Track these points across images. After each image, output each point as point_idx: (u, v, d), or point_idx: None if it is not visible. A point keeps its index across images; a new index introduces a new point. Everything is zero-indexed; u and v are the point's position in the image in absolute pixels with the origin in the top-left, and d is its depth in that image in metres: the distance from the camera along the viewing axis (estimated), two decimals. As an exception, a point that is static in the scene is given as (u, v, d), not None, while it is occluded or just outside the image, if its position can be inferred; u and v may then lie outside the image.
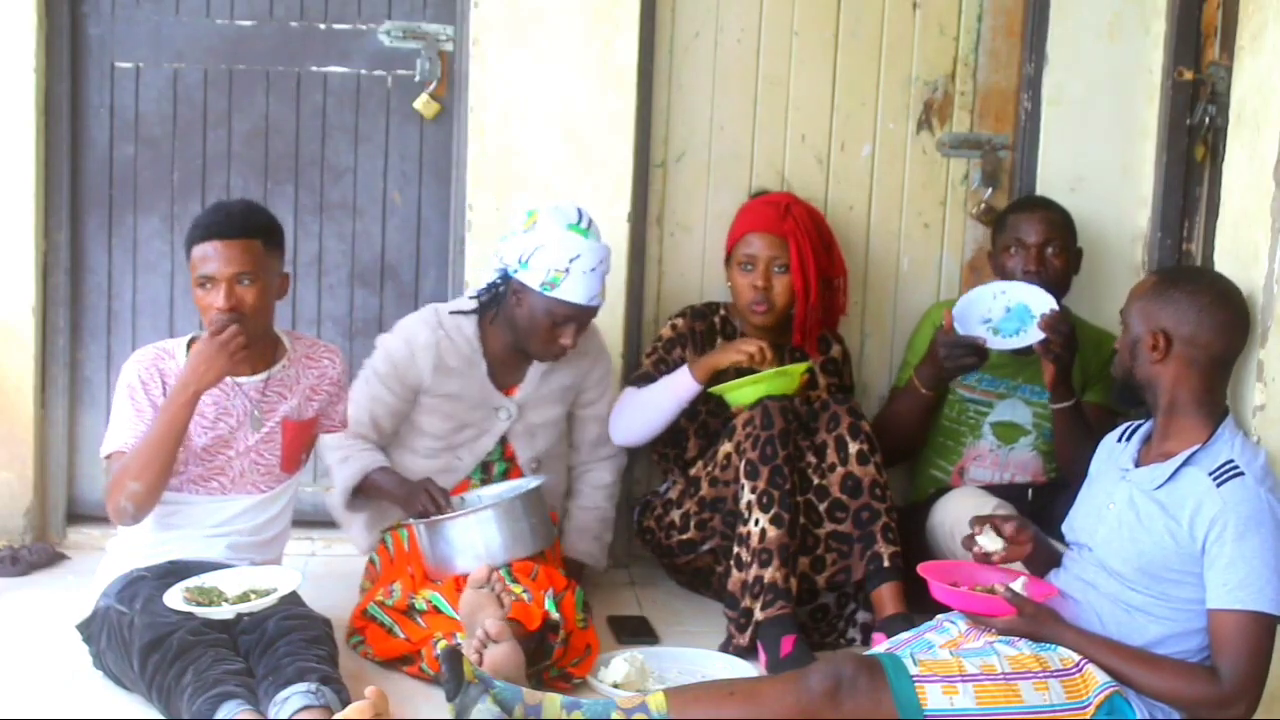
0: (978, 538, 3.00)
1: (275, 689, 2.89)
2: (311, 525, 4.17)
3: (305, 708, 2.84)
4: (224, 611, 3.09)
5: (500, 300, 3.69)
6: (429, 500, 3.52)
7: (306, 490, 4.25)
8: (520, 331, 3.66)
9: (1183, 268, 2.92)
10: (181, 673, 2.96)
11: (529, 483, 3.61)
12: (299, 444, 3.41)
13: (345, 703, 2.92)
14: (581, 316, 3.63)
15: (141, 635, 3.05)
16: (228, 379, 3.27)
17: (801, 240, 3.89)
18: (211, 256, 3.19)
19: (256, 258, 3.23)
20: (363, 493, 3.67)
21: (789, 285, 3.90)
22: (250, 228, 3.24)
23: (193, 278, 3.23)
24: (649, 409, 3.84)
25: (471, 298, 3.77)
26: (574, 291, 3.57)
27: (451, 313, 3.74)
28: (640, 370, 3.96)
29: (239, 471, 3.33)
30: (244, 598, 3.13)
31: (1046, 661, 2.83)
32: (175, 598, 3.09)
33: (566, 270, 3.57)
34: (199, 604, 3.08)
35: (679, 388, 3.81)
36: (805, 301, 3.91)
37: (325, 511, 4.15)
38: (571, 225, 3.61)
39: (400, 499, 3.60)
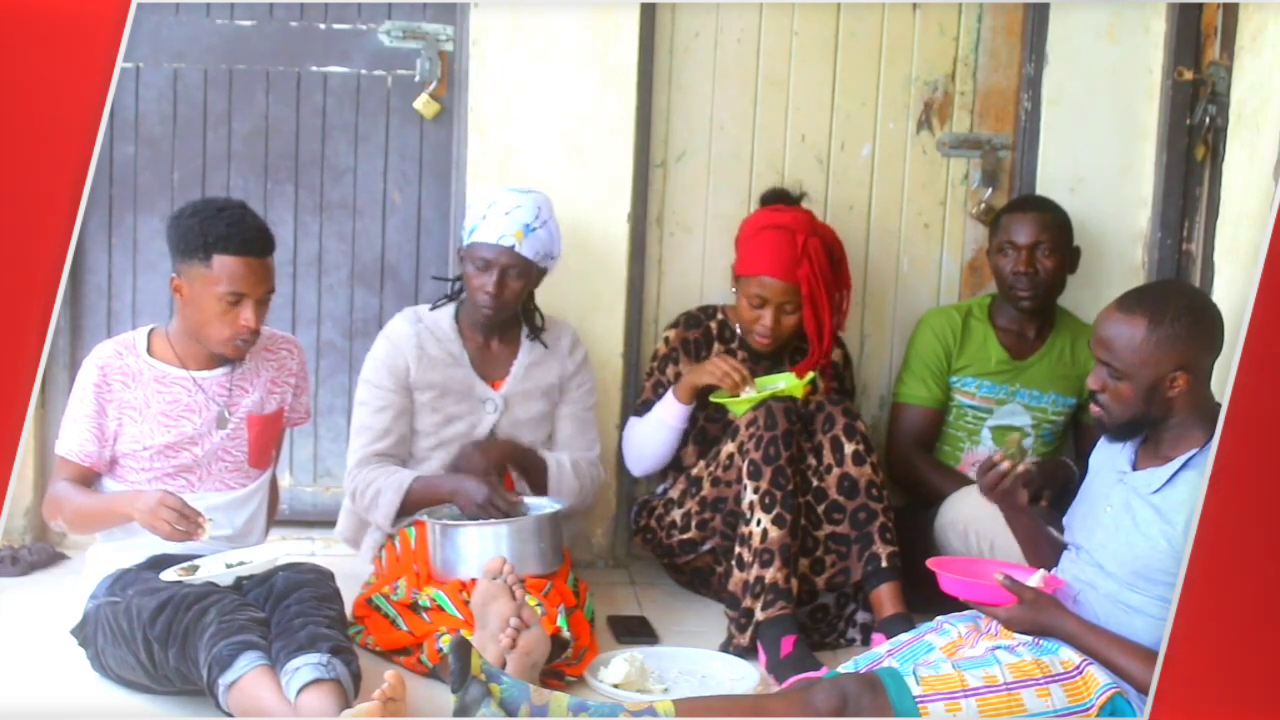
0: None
1: (287, 655, 2.90)
2: (311, 525, 4.17)
3: (315, 681, 2.85)
4: (224, 576, 3.09)
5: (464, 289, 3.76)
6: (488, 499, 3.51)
7: (306, 490, 4.27)
8: (468, 300, 3.72)
9: (1148, 295, 2.90)
10: (203, 613, 2.95)
11: (549, 505, 3.61)
12: (265, 439, 3.42)
13: (355, 675, 2.95)
14: (495, 258, 3.63)
15: (144, 607, 3.04)
16: (188, 376, 3.29)
17: (816, 285, 3.77)
18: (244, 275, 3.21)
19: (273, 273, 3.29)
20: (407, 510, 3.64)
21: (798, 321, 3.82)
22: (271, 245, 3.29)
23: (206, 285, 3.21)
24: (650, 439, 3.88)
25: (444, 295, 3.83)
26: (486, 232, 3.62)
27: (429, 310, 3.79)
28: (641, 397, 3.97)
29: (206, 470, 3.33)
30: (239, 565, 3.15)
31: (1047, 666, 2.84)
32: (170, 575, 3.10)
33: (484, 216, 3.66)
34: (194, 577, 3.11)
35: (667, 414, 3.84)
36: (819, 344, 3.82)
37: (325, 511, 4.15)
38: (508, 189, 3.70)
39: (455, 494, 3.58)
